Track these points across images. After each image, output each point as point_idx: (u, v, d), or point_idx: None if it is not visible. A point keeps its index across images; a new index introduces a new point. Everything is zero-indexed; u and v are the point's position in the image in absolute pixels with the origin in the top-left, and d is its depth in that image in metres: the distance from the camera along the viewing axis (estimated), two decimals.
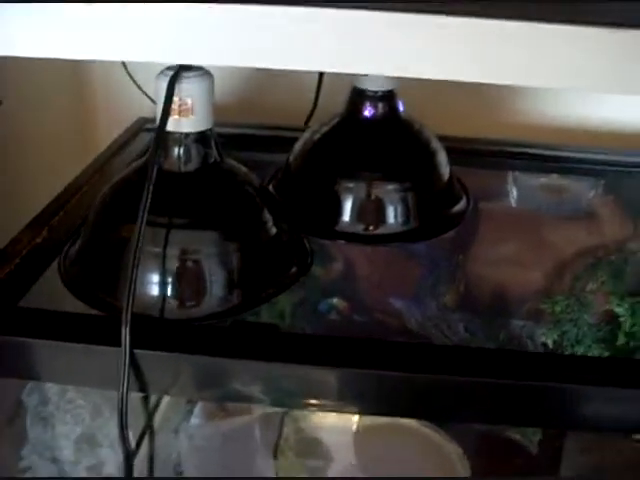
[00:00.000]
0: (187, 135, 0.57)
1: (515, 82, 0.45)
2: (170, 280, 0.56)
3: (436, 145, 0.73)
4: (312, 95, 0.87)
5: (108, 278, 0.58)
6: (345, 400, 0.54)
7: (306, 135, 0.75)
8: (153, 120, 0.57)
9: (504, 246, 0.75)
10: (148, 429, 0.57)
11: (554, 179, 0.83)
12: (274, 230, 0.60)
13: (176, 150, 0.57)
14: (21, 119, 0.90)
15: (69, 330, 0.53)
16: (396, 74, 0.45)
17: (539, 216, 0.80)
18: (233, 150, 0.62)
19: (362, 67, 0.46)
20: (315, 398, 0.54)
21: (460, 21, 0.43)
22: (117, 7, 0.45)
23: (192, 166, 0.58)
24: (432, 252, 0.73)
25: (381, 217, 0.69)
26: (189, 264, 0.56)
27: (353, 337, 0.56)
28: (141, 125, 0.86)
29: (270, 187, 0.74)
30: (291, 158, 0.74)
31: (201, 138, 0.58)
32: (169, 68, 0.55)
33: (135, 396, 0.53)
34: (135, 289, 0.52)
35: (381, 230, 0.70)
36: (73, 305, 0.58)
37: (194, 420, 0.64)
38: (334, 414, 0.63)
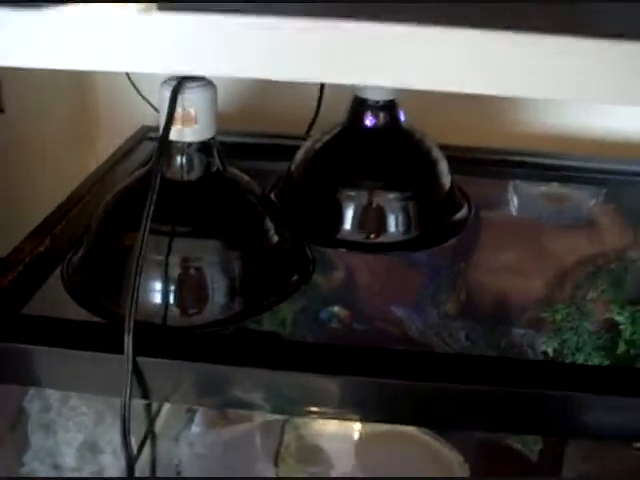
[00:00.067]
0: (190, 144, 0.57)
1: (517, 94, 0.45)
2: (172, 288, 0.56)
3: (437, 154, 0.73)
4: (314, 104, 0.87)
5: (111, 286, 0.58)
6: (346, 408, 0.54)
7: (308, 144, 0.75)
8: (156, 128, 0.57)
9: (505, 254, 0.75)
10: (150, 435, 0.57)
11: (555, 188, 0.83)
12: (276, 238, 0.61)
13: (179, 159, 0.58)
14: (23, 128, 0.90)
15: (72, 337, 0.53)
16: (397, 86, 0.46)
17: (540, 225, 0.80)
18: (235, 159, 0.62)
19: (363, 79, 0.46)
20: (316, 406, 0.54)
21: (461, 32, 0.43)
22: (120, 18, 0.45)
23: (194, 175, 0.59)
24: (433, 260, 0.73)
25: (382, 226, 0.70)
26: (191, 272, 0.57)
27: (354, 345, 0.56)
28: (144, 134, 0.86)
29: (272, 195, 0.74)
30: (293, 167, 0.75)
31: (204, 147, 0.58)
32: (172, 77, 0.56)
33: (136, 403, 0.53)
34: (138, 297, 0.52)
35: (382, 238, 0.70)
36: (76, 313, 0.58)
37: (195, 428, 0.63)
38: (335, 422, 0.63)
